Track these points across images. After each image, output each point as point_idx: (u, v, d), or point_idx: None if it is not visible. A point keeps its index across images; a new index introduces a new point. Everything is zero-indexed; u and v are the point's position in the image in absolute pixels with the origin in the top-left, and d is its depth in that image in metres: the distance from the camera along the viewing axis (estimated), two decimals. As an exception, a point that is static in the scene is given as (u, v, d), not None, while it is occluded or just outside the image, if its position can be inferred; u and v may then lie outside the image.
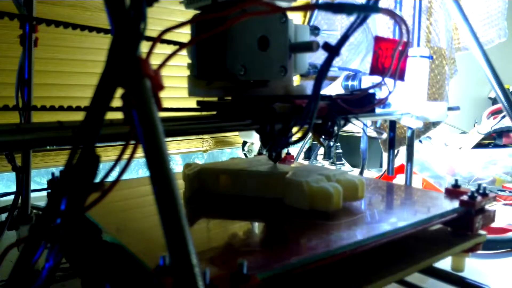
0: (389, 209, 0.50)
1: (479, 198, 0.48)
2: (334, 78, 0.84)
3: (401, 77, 0.54)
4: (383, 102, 0.56)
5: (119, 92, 0.24)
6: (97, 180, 0.27)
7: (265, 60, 0.46)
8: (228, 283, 0.27)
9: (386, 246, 0.40)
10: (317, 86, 0.41)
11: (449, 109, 0.72)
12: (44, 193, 0.88)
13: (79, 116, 0.28)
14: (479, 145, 1.42)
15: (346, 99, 0.50)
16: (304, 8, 0.51)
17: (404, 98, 0.67)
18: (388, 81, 0.53)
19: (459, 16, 0.83)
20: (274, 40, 0.46)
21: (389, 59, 0.53)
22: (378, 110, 0.65)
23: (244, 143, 1.24)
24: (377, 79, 0.54)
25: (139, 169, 1.40)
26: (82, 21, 0.60)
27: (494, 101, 1.91)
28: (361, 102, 0.51)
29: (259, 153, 1.11)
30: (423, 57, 0.69)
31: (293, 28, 0.50)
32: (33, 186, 0.69)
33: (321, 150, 1.39)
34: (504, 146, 1.43)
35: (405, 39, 0.50)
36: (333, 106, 0.48)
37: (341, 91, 0.75)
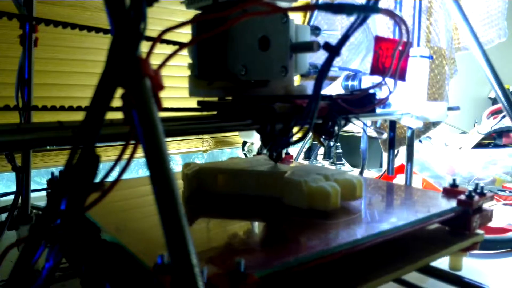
0: (387, 208, 0.50)
1: (476, 197, 0.48)
2: (334, 78, 0.84)
3: (402, 77, 0.54)
4: (383, 102, 0.56)
5: (119, 92, 0.24)
6: (97, 180, 0.27)
7: (266, 60, 0.46)
8: (226, 282, 0.27)
9: (384, 245, 0.40)
10: (318, 86, 0.41)
11: (449, 109, 0.72)
12: (44, 193, 0.88)
13: (79, 116, 0.28)
14: (479, 145, 1.42)
15: (346, 99, 0.50)
16: (304, 8, 0.51)
17: (404, 98, 0.67)
18: (388, 81, 0.53)
19: (459, 16, 0.83)
20: (275, 40, 0.46)
21: (389, 59, 0.53)
22: (378, 110, 0.65)
23: (244, 143, 1.24)
24: (377, 79, 0.54)
25: (139, 169, 1.40)
26: (82, 21, 0.60)
27: (494, 101, 1.91)
28: (362, 102, 0.51)
29: (258, 153, 1.11)
30: (423, 57, 0.69)
31: (294, 28, 0.50)
32: (33, 186, 0.69)
33: (321, 150, 1.39)
34: (504, 146, 1.43)
35: (405, 39, 0.50)
36: (333, 106, 0.48)
37: (341, 91, 0.75)
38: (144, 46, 0.23)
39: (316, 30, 0.58)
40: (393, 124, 0.80)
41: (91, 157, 0.26)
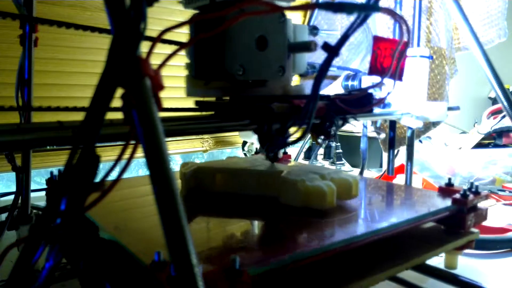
0: (382, 207, 0.50)
1: (471, 196, 0.49)
2: (334, 78, 0.84)
3: (400, 77, 0.54)
4: (382, 102, 0.55)
5: (119, 92, 0.24)
6: (97, 180, 0.27)
7: (264, 60, 0.46)
8: (221, 278, 0.28)
9: (380, 243, 0.41)
10: (316, 86, 0.41)
11: (449, 109, 0.72)
12: (44, 193, 0.88)
13: (79, 116, 0.28)
14: (479, 145, 1.42)
15: (344, 99, 0.50)
16: (304, 7, 0.51)
17: (404, 98, 0.67)
18: (388, 81, 0.53)
19: (459, 16, 0.83)
20: (272, 40, 0.46)
21: (388, 59, 0.52)
22: (378, 110, 0.65)
23: (244, 143, 1.24)
24: (377, 79, 0.54)
25: (139, 169, 1.40)
26: (82, 21, 0.60)
27: (494, 101, 1.91)
28: (360, 102, 0.51)
29: (256, 152, 1.11)
30: (423, 57, 0.69)
31: (292, 28, 0.50)
32: (33, 186, 0.69)
33: (321, 150, 1.39)
34: (504, 146, 1.43)
35: (405, 38, 0.50)
36: (331, 106, 0.48)
37: (341, 91, 0.75)
38: (144, 46, 0.23)
39: (314, 29, 0.57)
40: (393, 124, 0.80)
41: (91, 157, 0.26)
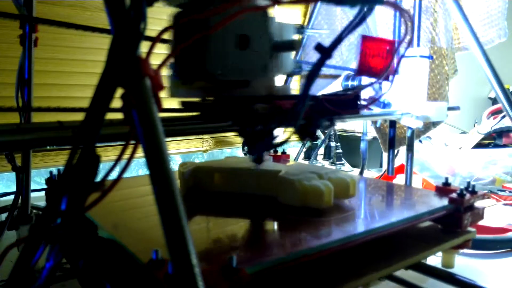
0: (380, 206, 0.50)
1: (467, 195, 0.49)
2: (335, 77, 0.84)
3: (387, 77, 0.53)
4: (368, 104, 0.55)
5: (119, 92, 0.24)
6: (97, 180, 0.27)
7: (245, 59, 0.44)
8: (218, 276, 0.28)
9: (377, 242, 0.41)
10: (307, 87, 0.40)
11: (449, 109, 0.72)
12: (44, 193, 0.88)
13: (79, 116, 0.28)
14: (479, 145, 1.42)
15: (330, 99, 0.49)
16: (306, 0, 0.50)
17: (404, 98, 0.66)
18: (385, 81, 0.53)
19: (459, 16, 0.83)
20: (255, 39, 0.44)
21: (375, 59, 0.51)
22: (378, 110, 0.65)
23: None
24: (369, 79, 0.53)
25: (139, 169, 1.40)
26: (82, 21, 0.60)
27: (494, 101, 1.91)
28: (347, 103, 0.50)
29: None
30: (423, 57, 0.69)
31: (277, 27, 0.48)
32: (33, 186, 0.69)
33: (321, 150, 1.39)
34: (504, 146, 1.43)
35: (408, 35, 0.49)
36: (316, 107, 0.47)
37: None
38: (144, 46, 0.23)
39: (301, 28, 0.56)
40: (393, 124, 0.80)
41: (91, 157, 0.26)
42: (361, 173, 0.96)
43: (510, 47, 1.46)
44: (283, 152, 0.76)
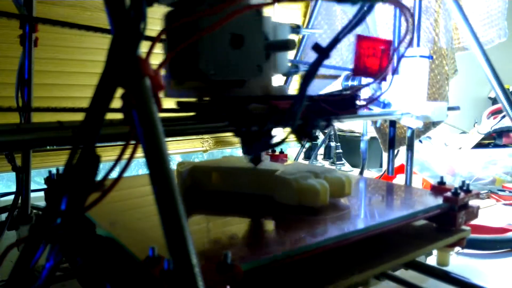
0: (375, 205, 0.51)
1: (462, 194, 0.49)
2: (335, 77, 0.84)
3: (384, 78, 0.53)
4: (368, 104, 0.55)
5: (119, 92, 0.24)
6: (97, 180, 0.27)
7: (239, 59, 0.43)
8: (213, 272, 0.28)
9: (372, 240, 0.42)
10: (304, 87, 0.40)
11: (449, 109, 0.72)
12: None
13: (79, 116, 0.28)
14: (479, 145, 1.42)
15: (327, 100, 0.48)
16: None
17: (404, 98, 0.67)
18: (388, 79, 0.53)
19: (459, 16, 0.83)
20: (248, 38, 0.44)
21: (371, 59, 0.51)
22: (378, 110, 0.65)
23: (244, 143, 1.24)
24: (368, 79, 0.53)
25: (139, 169, 1.40)
26: (82, 21, 0.60)
27: (494, 101, 1.91)
28: (345, 103, 0.50)
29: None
30: (423, 57, 0.69)
31: (272, 26, 0.48)
32: (33, 186, 0.69)
33: (321, 150, 1.39)
34: (504, 146, 1.43)
35: (409, 34, 0.49)
36: (313, 107, 0.46)
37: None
38: (144, 46, 0.23)
39: (297, 28, 0.56)
40: (393, 124, 0.80)
41: (91, 157, 0.26)
42: (361, 173, 0.96)
43: (510, 47, 1.46)
44: (281, 152, 0.77)
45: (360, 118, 0.59)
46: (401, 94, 0.66)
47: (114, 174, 0.27)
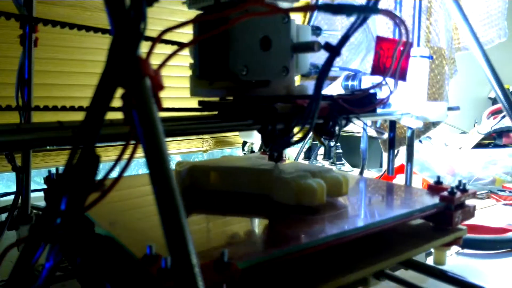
0: (372, 204, 0.51)
1: (458, 193, 0.49)
2: (334, 78, 0.84)
3: (403, 77, 0.54)
4: (384, 102, 0.56)
5: (119, 92, 0.24)
6: (97, 180, 0.27)
7: (267, 60, 0.46)
8: (210, 271, 0.28)
9: (369, 239, 0.42)
10: (319, 86, 0.41)
11: (449, 109, 0.72)
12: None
13: (79, 116, 0.28)
14: (479, 145, 1.42)
15: (347, 99, 0.50)
16: (304, 9, 0.51)
17: (404, 98, 0.67)
18: (389, 81, 0.54)
19: (459, 16, 0.83)
20: (276, 41, 0.47)
21: (390, 59, 0.53)
22: (378, 110, 0.65)
23: (244, 143, 1.24)
24: (377, 79, 0.54)
25: (139, 169, 1.40)
26: (82, 21, 0.60)
27: (494, 101, 1.91)
28: (362, 102, 0.52)
29: (251, 151, 1.11)
30: (423, 57, 0.69)
31: (295, 28, 0.50)
32: (33, 186, 0.69)
33: (321, 150, 1.39)
34: (504, 146, 1.43)
35: (404, 39, 0.50)
36: (334, 106, 0.49)
37: (341, 91, 0.75)
38: (144, 46, 0.23)
39: (317, 30, 0.58)
40: (393, 124, 0.80)
41: (91, 157, 0.26)
42: (361, 173, 0.96)
43: (510, 47, 1.46)
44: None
45: (364, 118, 0.59)
46: (401, 94, 0.66)
47: (114, 174, 0.27)
